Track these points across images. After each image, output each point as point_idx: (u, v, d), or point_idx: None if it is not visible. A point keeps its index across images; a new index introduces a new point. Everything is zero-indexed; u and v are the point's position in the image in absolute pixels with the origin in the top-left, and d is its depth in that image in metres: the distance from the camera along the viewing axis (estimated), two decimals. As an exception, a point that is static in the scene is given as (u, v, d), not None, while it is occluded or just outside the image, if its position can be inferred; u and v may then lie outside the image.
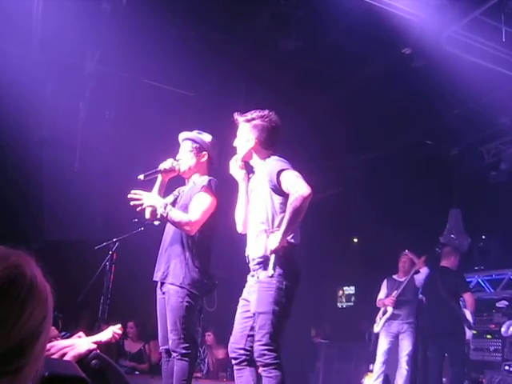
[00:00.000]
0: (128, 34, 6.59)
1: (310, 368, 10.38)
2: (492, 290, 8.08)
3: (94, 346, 2.49)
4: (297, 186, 3.62)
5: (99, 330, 6.53)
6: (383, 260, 9.18)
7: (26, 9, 6.40)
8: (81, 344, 2.48)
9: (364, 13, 5.86)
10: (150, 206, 4.22)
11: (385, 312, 8.25)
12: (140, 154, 8.05)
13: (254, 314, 3.69)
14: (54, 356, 2.33)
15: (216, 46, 6.95)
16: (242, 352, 3.74)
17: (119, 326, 2.80)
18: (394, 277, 8.48)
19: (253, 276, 3.82)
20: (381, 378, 8.23)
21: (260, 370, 3.66)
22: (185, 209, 4.30)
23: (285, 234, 3.58)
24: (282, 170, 3.72)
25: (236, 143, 4.08)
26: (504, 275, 7.90)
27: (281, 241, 3.58)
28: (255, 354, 3.64)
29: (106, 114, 8.09)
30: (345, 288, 11.60)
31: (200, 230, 4.26)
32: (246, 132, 4.00)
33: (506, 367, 5.94)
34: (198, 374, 9.30)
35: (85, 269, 6.56)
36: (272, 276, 3.60)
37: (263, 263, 3.71)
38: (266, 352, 3.58)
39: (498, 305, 7.59)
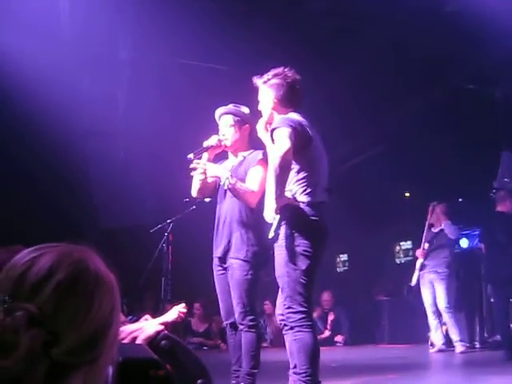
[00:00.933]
0: (155, 16, 6.62)
1: (375, 325, 10.41)
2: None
3: (162, 327, 2.54)
4: (277, 147, 3.56)
5: (164, 311, 6.67)
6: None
7: (53, 5, 6.46)
8: (149, 326, 2.53)
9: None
10: (215, 176, 4.22)
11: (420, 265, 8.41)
12: (182, 133, 8.10)
13: None
14: (125, 341, 2.38)
15: (241, 17, 6.90)
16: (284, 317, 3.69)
17: (183, 305, 2.84)
18: (432, 229, 8.63)
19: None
20: (440, 331, 8.28)
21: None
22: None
23: (276, 194, 3.52)
24: (274, 129, 3.66)
25: (260, 107, 4.01)
26: None
27: (276, 201, 3.51)
28: (284, 317, 3.64)
29: (145, 99, 8.17)
30: (401, 243, 11.55)
31: None
32: (266, 94, 3.91)
33: None
34: (264, 344, 9.44)
35: (143, 253, 6.70)
36: (272, 238, 3.58)
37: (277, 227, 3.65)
38: (290, 315, 3.56)
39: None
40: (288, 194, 3.65)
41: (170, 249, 5.59)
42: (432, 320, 8.37)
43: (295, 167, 3.69)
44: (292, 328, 3.56)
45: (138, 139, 8.93)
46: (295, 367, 3.58)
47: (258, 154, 4.37)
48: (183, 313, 2.80)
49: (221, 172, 4.19)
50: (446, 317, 8.25)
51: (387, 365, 7.35)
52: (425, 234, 8.62)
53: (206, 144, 4.37)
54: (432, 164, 8.96)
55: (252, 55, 7.30)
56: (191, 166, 4.17)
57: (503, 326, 7.35)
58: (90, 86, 7.90)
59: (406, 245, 11.41)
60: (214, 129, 4.58)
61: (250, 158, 4.43)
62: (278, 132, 3.63)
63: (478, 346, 8.69)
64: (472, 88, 8.78)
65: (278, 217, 3.54)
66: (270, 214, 3.65)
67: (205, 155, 4.35)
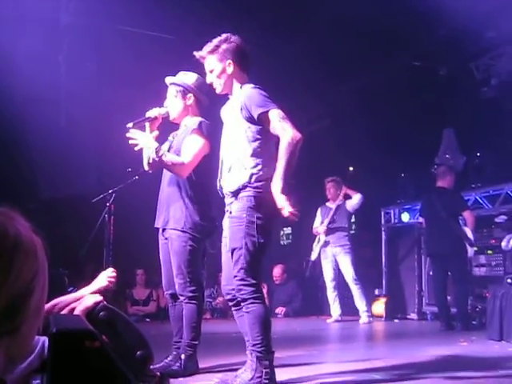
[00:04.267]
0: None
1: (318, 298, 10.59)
2: (490, 206, 8.13)
3: (101, 298, 2.49)
4: (287, 132, 3.49)
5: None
6: (377, 187, 9.26)
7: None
8: (88, 298, 2.48)
9: None
10: (143, 147, 4.11)
11: (319, 240, 8.74)
12: (127, 103, 7.93)
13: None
14: (63, 312, 2.33)
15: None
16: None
17: (111, 269, 2.78)
18: (327, 204, 9.09)
19: (227, 211, 3.74)
20: (337, 302, 8.73)
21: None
22: (178, 153, 4.26)
23: (283, 179, 3.43)
24: (268, 110, 3.55)
25: (210, 79, 3.87)
26: (501, 190, 7.91)
27: (281, 187, 3.42)
28: (234, 290, 3.61)
29: (87, 66, 7.95)
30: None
31: (196, 172, 4.23)
32: (217, 62, 3.78)
33: (509, 280, 6.01)
34: (207, 316, 9.47)
35: (84, 223, 6.55)
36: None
37: (235, 196, 3.61)
38: (242, 287, 3.54)
39: (496, 220, 7.64)
40: (254, 163, 3.60)
41: (112, 219, 5.50)
42: (331, 293, 8.77)
43: (261, 141, 3.63)
44: (245, 300, 3.54)
45: (80, 107, 8.71)
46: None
47: (195, 123, 4.30)
48: (112, 277, 2.74)
49: (148, 143, 4.07)
50: (354, 288, 8.60)
51: (324, 336, 7.55)
52: (320, 211, 9.08)
53: (147, 115, 4.26)
54: (375, 139, 9.06)
55: (198, 26, 7.18)
56: (127, 135, 4.08)
57: (440, 298, 7.56)
58: (30, 50, 7.63)
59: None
60: (160, 98, 4.50)
61: (188, 127, 4.36)
62: (274, 114, 3.54)
63: (415, 317, 8.97)
64: (417, 65, 8.87)
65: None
66: (237, 182, 3.59)
67: (147, 126, 4.22)
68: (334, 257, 8.83)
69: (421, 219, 8.26)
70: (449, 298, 7.57)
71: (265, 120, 3.57)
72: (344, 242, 8.77)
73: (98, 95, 8.57)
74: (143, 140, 4.07)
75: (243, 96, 3.67)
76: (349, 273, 8.69)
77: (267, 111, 3.56)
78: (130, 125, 4.09)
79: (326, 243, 8.86)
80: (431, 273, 8.33)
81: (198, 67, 4.09)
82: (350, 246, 8.78)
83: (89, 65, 8.17)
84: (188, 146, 4.22)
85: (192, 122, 4.36)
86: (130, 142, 4.07)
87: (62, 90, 8.47)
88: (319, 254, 8.98)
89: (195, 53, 3.85)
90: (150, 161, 4.12)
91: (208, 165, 4.25)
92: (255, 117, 3.58)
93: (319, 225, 8.99)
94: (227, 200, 3.73)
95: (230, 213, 3.65)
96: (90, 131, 8.97)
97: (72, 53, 7.81)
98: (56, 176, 9.11)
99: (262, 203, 3.56)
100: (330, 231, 8.83)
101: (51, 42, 7.61)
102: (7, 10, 6.95)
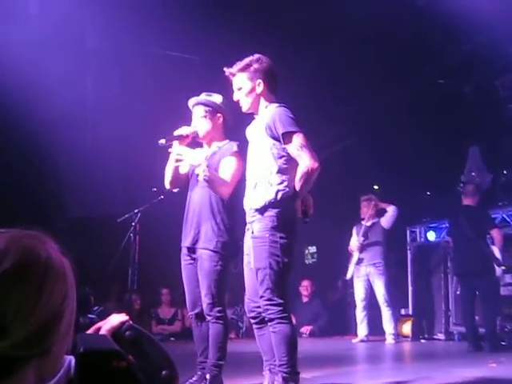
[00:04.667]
0: (127, 3, 6.52)
1: (343, 317, 10.50)
2: (518, 225, 8.02)
3: (127, 317, 2.50)
4: (303, 161, 3.55)
5: (130, 300, 6.63)
6: (403, 205, 9.17)
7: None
8: (113, 317, 2.50)
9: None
10: (192, 164, 4.12)
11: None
12: (152, 123, 8.02)
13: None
14: (88, 332, 2.34)
15: (212, 7, 6.84)
16: (260, 310, 3.65)
17: (124, 315, 2.79)
18: (362, 222, 8.87)
19: (248, 230, 3.74)
20: (364, 323, 8.57)
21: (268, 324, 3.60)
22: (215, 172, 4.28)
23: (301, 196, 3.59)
24: (292, 133, 3.59)
25: (237, 96, 3.90)
26: (529, 208, 7.83)
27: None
28: (261, 309, 3.61)
29: (112, 86, 8.07)
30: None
31: None
32: (247, 81, 3.81)
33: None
34: (232, 335, 9.45)
35: (111, 242, 6.62)
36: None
37: (261, 214, 3.62)
38: (269, 307, 3.53)
39: (525, 239, 7.54)
40: (280, 179, 3.63)
41: (138, 239, 5.54)
42: (360, 312, 8.63)
43: (286, 158, 3.66)
44: (272, 320, 3.54)
45: (106, 127, 8.82)
46: (274, 359, 3.57)
47: (233, 146, 4.34)
48: (125, 321, 2.75)
49: (198, 161, 4.06)
50: (384, 310, 8.47)
51: (351, 356, 7.46)
52: (355, 229, 8.92)
53: (176, 133, 4.29)
54: (401, 157, 9.02)
55: (223, 46, 7.26)
56: (169, 149, 4.10)
57: (468, 318, 7.44)
58: (58, 73, 7.77)
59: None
60: (185, 118, 4.53)
61: (224, 149, 4.39)
62: (297, 140, 3.59)
63: (442, 337, 8.84)
64: (441, 83, 8.84)
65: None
66: (261, 200, 3.63)
67: (175, 144, 4.25)
68: (367, 276, 8.68)
69: (447, 238, 8.17)
70: (477, 317, 7.46)
71: (287, 141, 3.61)
72: (378, 260, 8.59)
73: (123, 115, 8.67)
74: (190, 156, 4.09)
75: (269, 114, 3.72)
76: (381, 294, 8.55)
77: (291, 133, 3.60)
78: (162, 141, 4.10)
79: (360, 261, 8.72)
80: (458, 292, 8.21)
81: (222, 88, 4.13)
82: (383, 264, 8.60)
83: (114, 85, 8.28)
84: (229, 166, 4.24)
85: (229, 144, 4.40)
86: (175, 157, 4.10)
87: (89, 110, 8.59)
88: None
89: (225, 69, 3.89)
90: (201, 178, 4.06)
91: (238, 186, 4.27)
92: (279, 135, 3.61)
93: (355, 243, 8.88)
94: (249, 217, 3.73)
95: (252, 232, 3.66)
96: (116, 151, 9.07)
97: (98, 74, 7.93)
98: (83, 195, 9.23)
99: (285, 222, 3.58)
100: (363, 248, 8.69)
101: (78, 64, 7.74)
102: (36, 35, 7.09)
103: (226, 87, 4.00)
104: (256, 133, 3.81)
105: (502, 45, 7.43)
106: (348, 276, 8.95)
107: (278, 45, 6.99)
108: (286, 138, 3.60)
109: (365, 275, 8.68)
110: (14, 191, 8.76)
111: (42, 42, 7.23)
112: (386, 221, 8.77)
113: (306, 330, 10.11)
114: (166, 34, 7.08)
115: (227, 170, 4.23)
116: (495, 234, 7.31)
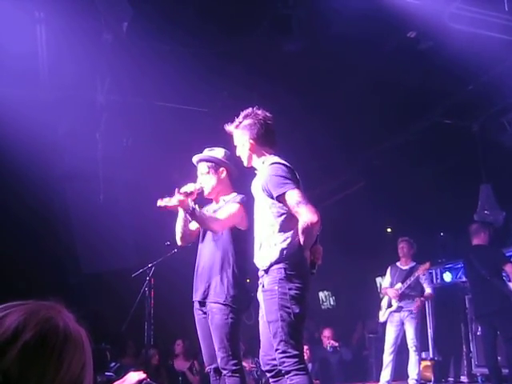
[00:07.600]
0: (133, 59, 6.66)
1: (363, 363, 10.33)
2: (534, 261, 7.92)
3: (144, 375, 2.49)
4: (302, 217, 3.54)
5: (147, 355, 6.58)
6: (417, 247, 9.09)
7: (31, 51, 6.48)
8: (131, 375, 2.49)
9: (364, 2, 5.81)
10: (176, 203, 4.01)
11: (389, 302, 8.29)
12: (162, 176, 8.09)
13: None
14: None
15: (220, 59, 6.95)
16: (275, 362, 3.61)
17: (141, 373, 2.78)
18: (397, 264, 8.50)
19: (260, 283, 3.75)
20: (389, 368, 8.24)
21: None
22: None
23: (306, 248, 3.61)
24: (284, 194, 3.58)
25: (238, 152, 3.98)
26: (544, 244, 7.76)
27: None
28: (277, 362, 3.57)
29: (123, 142, 8.17)
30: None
31: (236, 245, 4.29)
32: (240, 138, 3.88)
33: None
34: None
35: (125, 297, 6.61)
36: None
37: (267, 271, 3.63)
38: (284, 359, 3.50)
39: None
40: (283, 238, 3.63)
41: (152, 293, 5.53)
42: (387, 357, 8.30)
43: (286, 215, 3.65)
44: (288, 372, 3.49)
45: (118, 182, 8.90)
46: None
47: (238, 198, 4.39)
48: (143, 379, 2.75)
49: (179, 199, 3.99)
50: (412, 354, 8.14)
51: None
52: (390, 270, 8.54)
53: (183, 190, 4.31)
54: (413, 198, 9.01)
55: (228, 98, 7.37)
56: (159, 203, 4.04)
57: (491, 359, 7.30)
58: (69, 129, 7.90)
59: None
60: (194, 170, 4.56)
61: (228, 201, 4.43)
62: (291, 196, 3.58)
63: (465, 380, 8.67)
64: (449, 122, 8.87)
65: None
66: (267, 259, 3.63)
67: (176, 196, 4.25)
68: (401, 321, 8.27)
69: (464, 278, 8.07)
70: (499, 358, 7.31)
71: (283, 201, 3.62)
72: (414, 307, 8.37)
73: (133, 169, 8.76)
74: (174, 199, 4.00)
75: (263, 176, 3.74)
76: (410, 338, 8.25)
77: (284, 193, 3.59)
78: (161, 203, 4.05)
79: (399, 308, 8.29)
80: (479, 333, 8.07)
81: (231, 139, 4.17)
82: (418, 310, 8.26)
83: (124, 140, 8.38)
84: (227, 208, 4.31)
85: (234, 196, 4.45)
86: (165, 204, 4.02)
87: (100, 166, 8.67)
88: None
89: (226, 127, 3.96)
90: (189, 210, 4.01)
91: (245, 237, 4.30)
92: (277, 199, 3.64)
93: (388, 285, 8.48)
94: (260, 273, 3.75)
95: (263, 286, 3.67)
96: (128, 205, 9.14)
97: (108, 129, 8.03)
98: (97, 250, 9.24)
99: (294, 273, 3.57)
100: (404, 297, 8.26)
101: (89, 121, 7.85)
102: (48, 94, 7.23)
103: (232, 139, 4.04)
104: (256, 191, 3.83)
105: (507, 83, 7.47)
106: (381, 319, 8.62)
107: (282, 98, 7.08)
108: (280, 199, 3.61)
109: (399, 321, 8.35)
110: (28, 248, 8.81)
111: (55, 100, 7.37)
112: (425, 279, 8.40)
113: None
114: (174, 87, 7.19)
115: (224, 210, 4.28)
116: (509, 268, 7.17)
